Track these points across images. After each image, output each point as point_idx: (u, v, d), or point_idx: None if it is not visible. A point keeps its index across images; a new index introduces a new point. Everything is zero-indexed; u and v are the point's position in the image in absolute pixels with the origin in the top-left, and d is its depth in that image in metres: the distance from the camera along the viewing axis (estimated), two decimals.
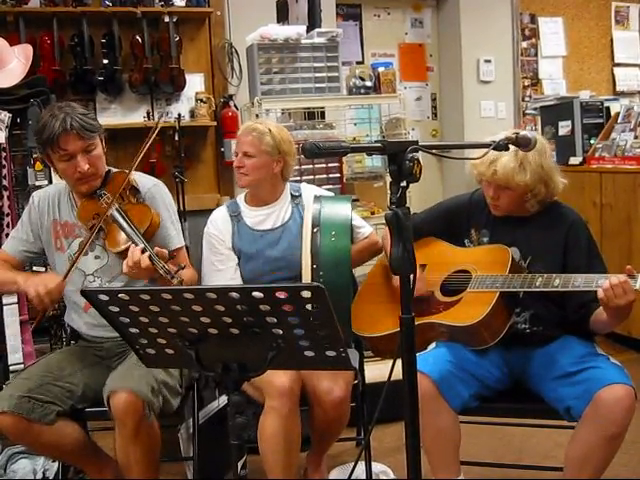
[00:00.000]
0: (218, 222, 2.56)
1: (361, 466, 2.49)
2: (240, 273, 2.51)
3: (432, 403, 2.06)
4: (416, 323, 1.57)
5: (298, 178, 3.49)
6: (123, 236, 2.21)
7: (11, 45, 3.38)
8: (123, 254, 2.18)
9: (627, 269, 1.92)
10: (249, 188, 2.57)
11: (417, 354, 1.60)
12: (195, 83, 4.27)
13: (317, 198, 2.49)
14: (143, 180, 2.42)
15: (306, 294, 1.35)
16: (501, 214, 2.27)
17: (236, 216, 2.56)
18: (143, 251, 2.10)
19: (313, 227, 2.35)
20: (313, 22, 3.82)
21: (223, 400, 2.76)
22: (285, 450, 2.18)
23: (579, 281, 1.98)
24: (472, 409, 2.17)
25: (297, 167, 3.54)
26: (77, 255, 2.28)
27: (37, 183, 3.15)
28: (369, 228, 2.63)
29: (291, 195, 2.60)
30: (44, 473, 2.65)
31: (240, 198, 2.64)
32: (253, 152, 2.48)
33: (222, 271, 2.49)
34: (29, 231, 2.43)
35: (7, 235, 2.90)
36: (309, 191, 2.63)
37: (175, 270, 2.09)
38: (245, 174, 2.50)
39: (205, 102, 4.21)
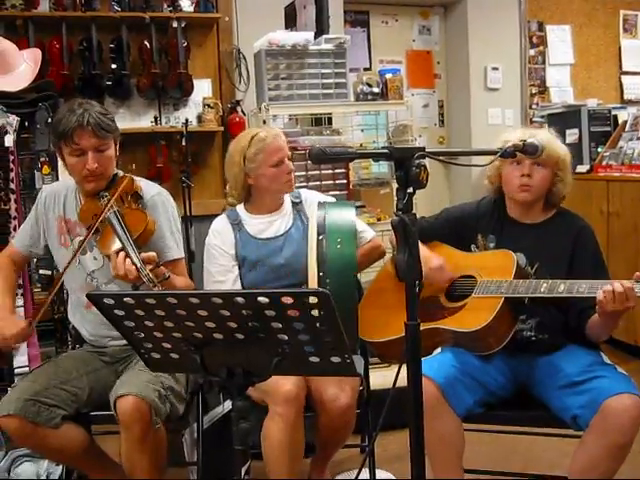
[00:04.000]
0: (220, 232, 2.53)
1: (365, 473, 2.48)
2: (241, 282, 2.48)
3: (436, 408, 2.05)
4: (421, 328, 1.56)
5: (305, 184, 3.49)
6: (115, 240, 2.17)
7: (20, 49, 3.39)
8: (112, 257, 2.15)
9: (636, 275, 1.92)
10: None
11: (422, 359, 1.59)
12: (203, 88, 4.29)
13: (321, 204, 2.47)
14: (148, 187, 2.40)
15: (312, 300, 1.34)
16: (531, 199, 2.26)
17: (237, 224, 2.53)
18: (129, 257, 2.07)
19: (318, 234, 2.33)
20: (321, 28, 3.83)
21: (227, 405, 2.75)
22: (289, 456, 2.17)
23: (584, 287, 1.97)
24: (476, 416, 2.16)
25: (304, 173, 3.54)
26: (75, 253, 2.28)
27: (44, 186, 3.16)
28: (371, 232, 2.62)
29: (292, 202, 2.60)
30: (47, 476, 2.65)
31: (240, 207, 2.60)
32: (289, 154, 2.52)
33: (221, 282, 2.46)
34: (34, 226, 2.45)
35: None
36: (311, 197, 2.62)
37: (160, 279, 2.06)
38: (292, 176, 2.54)
39: (212, 107, 4.22)
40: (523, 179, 2.23)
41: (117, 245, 2.15)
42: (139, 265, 2.05)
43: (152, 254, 2.12)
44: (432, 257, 2.24)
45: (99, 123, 2.19)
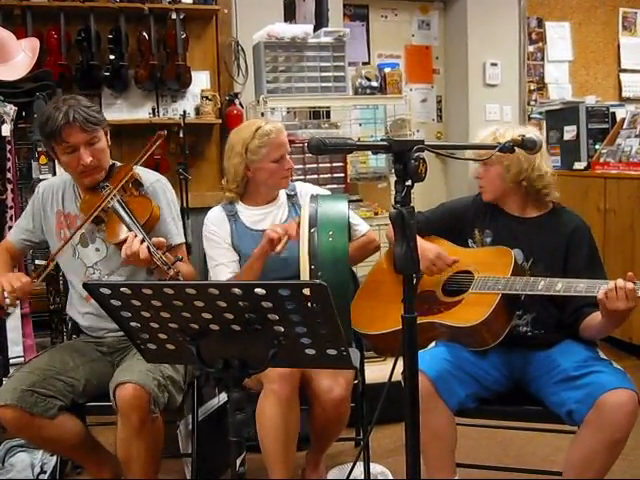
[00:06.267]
0: (215, 221, 2.54)
1: (359, 467, 2.48)
2: None
3: (429, 401, 2.04)
4: (417, 322, 1.56)
5: (302, 177, 3.49)
6: (123, 227, 2.20)
7: (18, 39, 3.38)
8: (122, 245, 2.16)
9: (629, 276, 1.91)
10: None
11: None
12: (201, 80, 4.28)
13: (314, 197, 2.44)
14: (147, 175, 2.43)
15: (308, 292, 1.34)
16: (489, 198, 2.30)
17: (233, 215, 2.54)
18: (142, 241, 2.10)
19: (310, 227, 2.31)
20: (320, 21, 3.82)
21: (223, 397, 2.75)
22: (283, 434, 2.16)
23: (581, 286, 1.97)
24: (470, 410, 2.16)
25: (301, 166, 3.53)
26: (70, 238, 2.28)
27: (41, 177, 3.16)
28: (366, 226, 2.62)
29: (287, 195, 2.60)
30: (42, 467, 2.65)
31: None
32: (289, 150, 2.53)
33: (224, 264, 2.47)
34: (31, 220, 2.46)
35: (10, 228, 2.91)
36: (306, 189, 2.62)
37: (172, 261, 2.08)
38: (290, 172, 2.54)
39: (210, 100, 4.21)
40: (479, 182, 2.29)
41: (125, 232, 2.18)
42: (152, 249, 2.07)
43: (162, 239, 2.15)
44: (427, 248, 2.25)
45: (86, 118, 2.18)
